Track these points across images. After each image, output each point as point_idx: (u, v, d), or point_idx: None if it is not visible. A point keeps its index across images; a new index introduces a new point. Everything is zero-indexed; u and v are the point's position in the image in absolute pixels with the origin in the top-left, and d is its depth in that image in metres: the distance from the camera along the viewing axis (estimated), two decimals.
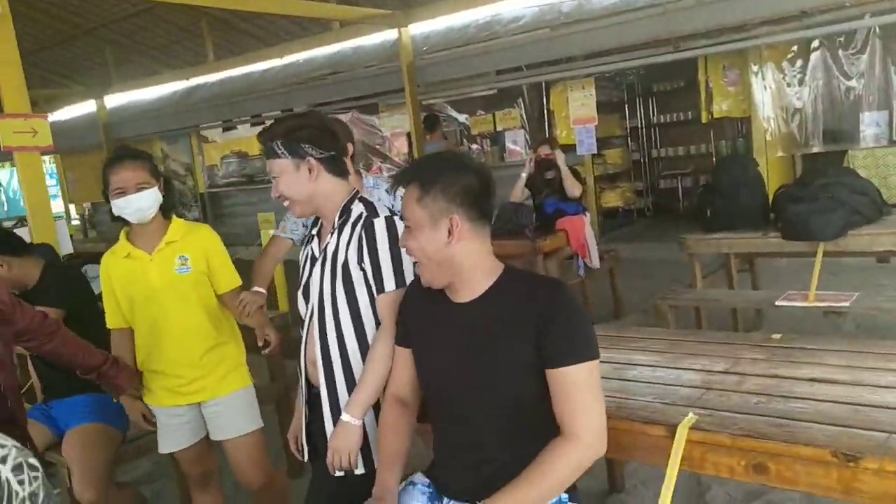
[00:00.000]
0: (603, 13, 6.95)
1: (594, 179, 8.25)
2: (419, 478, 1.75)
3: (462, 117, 8.96)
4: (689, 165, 9.21)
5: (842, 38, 6.26)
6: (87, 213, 14.15)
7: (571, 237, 4.87)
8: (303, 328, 1.98)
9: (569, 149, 6.62)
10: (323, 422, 1.90)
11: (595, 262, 5.01)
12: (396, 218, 1.85)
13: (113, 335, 2.44)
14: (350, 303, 1.86)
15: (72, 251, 5.39)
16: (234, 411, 2.42)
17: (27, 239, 3.08)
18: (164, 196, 2.35)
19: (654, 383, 1.97)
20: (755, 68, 6.72)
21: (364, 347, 1.87)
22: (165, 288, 2.34)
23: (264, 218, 5.34)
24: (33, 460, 0.59)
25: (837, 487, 1.47)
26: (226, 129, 11.36)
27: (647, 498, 2.76)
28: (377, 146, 9.72)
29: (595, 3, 7.13)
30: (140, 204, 2.27)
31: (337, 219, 1.90)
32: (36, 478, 0.59)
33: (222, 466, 2.61)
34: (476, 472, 1.61)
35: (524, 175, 5.15)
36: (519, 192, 5.14)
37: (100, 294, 2.48)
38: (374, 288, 1.85)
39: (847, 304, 3.34)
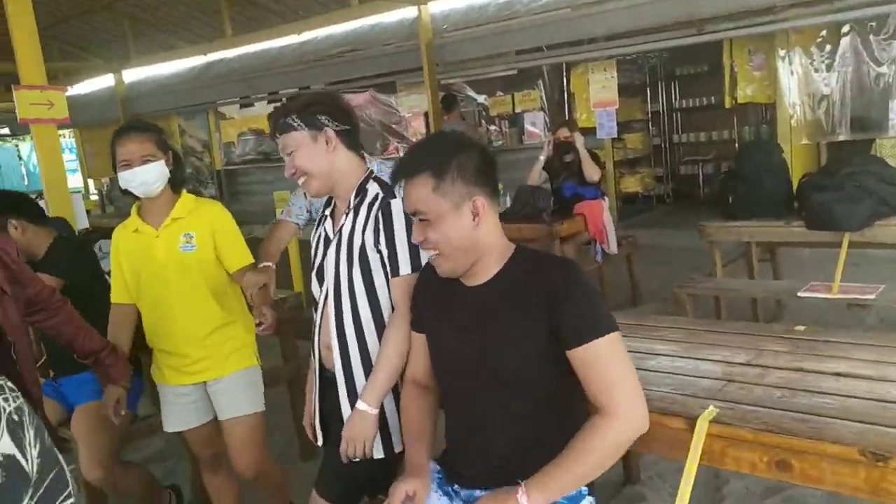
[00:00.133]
0: None
1: (613, 164, 8.15)
2: (430, 465, 1.72)
3: (481, 98, 8.86)
4: (710, 151, 9.06)
5: (873, 23, 6.09)
6: (105, 188, 14.21)
7: (589, 222, 4.80)
8: (316, 310, 1.95)
9: (588, 132, 6.52)
10: (337, 405, 1.87)
11: (613, 248, 4.94)
12: None
13: (113, 310, 2.38)
14: (367, 285, 1.82)
15: (87, 226, 5.39)
16: (235, 391, 2.35)
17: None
18: (172, 170, 2.29)
19: (673, 374, 1.92)
20: (782, 53, 6.56)
21: (381, 330, 1.83)
22: (170, 265, 2.29)
23: (280, 196, 5.32)
24: (11, 384, 0.61)
25: (865, 487, 1.41)
26: (243, 106, 11.33)
27: (662, 490, 2.72)
28: (394, 126, 9.65)
29: None
30: (145, 177, 2.21)
31: (352, 199, 1.86)
32: (17, 397, 0.60)
33: None
34: (487, 458, 1.58)
35: (542, 158, 5.08)
36: (536, 176, 5.07)
37: (109, 270, 2.46)
38: (388, 271, 1.81)
39: (872, 296, 3.26)
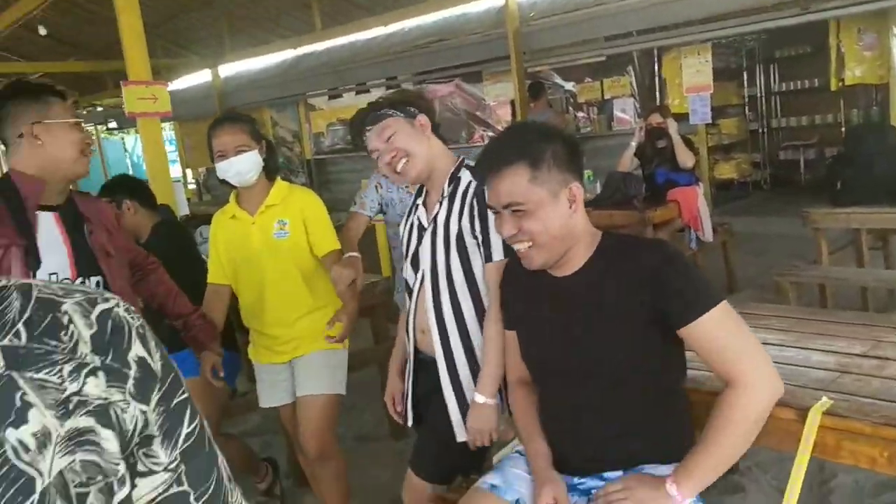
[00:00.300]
0: None
1: (707, 150, 7.84)
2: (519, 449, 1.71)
3: (568, 85, 8.71)
4: (812, 136, 8.60)
5: None
6: (202, 177, 14.86)
7: (683, 209, 4.66)
8: (410, 296, 1.97)
9: (681, 118, 6.29)
10: (432, 387, 1.89)
11: (708, 236, 4.78)
12: None
13: (209, 289, 2.45)
14: (466, 272, 1.84)
15: (188, 213, 5.65)
16: (314, 369, 2.36)
17: None
18: (266, 159, 2.34)
19: (781, 363, 1.82)
20: None
21: (481, 316, 1.84)
22: (264, 251, 2.34)
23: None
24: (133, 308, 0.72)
25: None
26: (331, 98, 11.58)
27: (762, 481, 2.61)
28: (479, 114, 9.63)
29: None
30: (240, 167, 2.26)
31: (446, 187, 1.88)
32: (140, 317, 0.71)
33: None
34: (585, 446, 1.55)
35: (633, 144, 4.96)
36: (627, 162, 4.95)
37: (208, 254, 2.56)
38: (483, 256, 1.82)
39: None
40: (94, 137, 17.54)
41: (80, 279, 1.85)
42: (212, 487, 0.72)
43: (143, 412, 0.66)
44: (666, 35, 7.24)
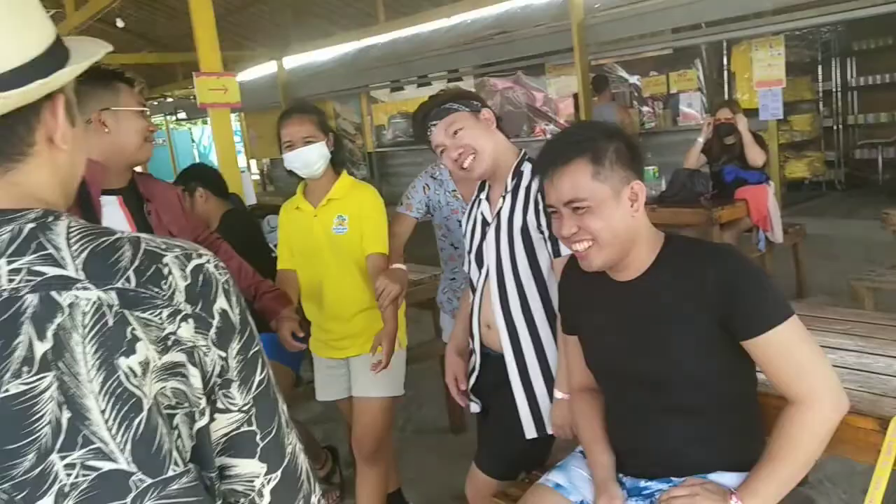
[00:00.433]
0: None
1: (778, 147, 7.59)
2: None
3: (633, 78, 8.56)
4: (891, 134, 8.21)
5: None
6: (265, 168, 15.20)
7: (752, 208, 4.52)
8: (474, 292, 1.97)
9: (751, 113, 6.10)
10: (498, 382, 1.89)
11: (778, 237, 4.63)
12: None
13: (279, 275, 2.45)
14: (532, 266, 1.83)
15: (255, 202, 5.79)
16: (369, 373, 2.28)
17: None
18: (333, 151, 2.33)
19: (859, 370, 1.76)
20: None
21: (549, 310, 1.83)
22: (324, 245, 2.33)
23: None
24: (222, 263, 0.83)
25: None
26: (393, 90, 11.66)
27: (833, 495, 2.52)
28: (541, 108, 9.55)
29: None
30: (307, 158, 2.25)
31: (509, 181, 1.87)
32: (226, 271, 0.81)
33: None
34: (652, 452, 1.53)
35: (700, 140, 4.84)
36: (694, 159, 4.83)
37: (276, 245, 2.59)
38: (550, 252, 1.81)
39: None
40: (161, 127, 18.14)
41: None
42: (274, 430, 0.82)
43: (223, 358, 0.77)
44: (736, 27, 7.01)
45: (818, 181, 8.49)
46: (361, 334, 2.34)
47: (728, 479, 1.46)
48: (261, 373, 0.81)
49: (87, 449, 0.69)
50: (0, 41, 0.72)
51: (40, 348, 0.68)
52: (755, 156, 4.60)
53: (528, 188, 1.84)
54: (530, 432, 1.85)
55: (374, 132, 12.28)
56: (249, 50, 13.25)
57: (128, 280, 0.72)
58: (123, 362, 0.70)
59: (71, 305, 0.69)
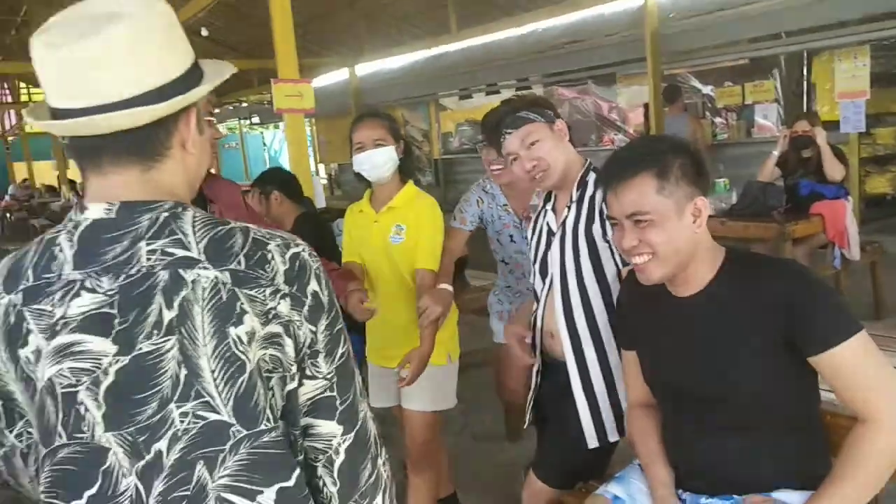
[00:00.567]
0: None
1: (859, 161, 7.30)
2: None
3: (706, 88, 8.39)
4: None
5: None
6: (333, 173, 15.53)
7: (829, 223, 4.37)
8: (538, 301, 1.99)
9: (830, 126, 5.89)
10: (560, 391, 1.90)
11: (854, 254, 4.46)
12: None
13: (343, 266, 2.44)
14: (597, 275, 1.84)
15: (325, 206, 5.95)
16: (417, 385, 2.23)
17: None
18: (402, 159, 2.33)
19: None
20: None
21: (613, 320, 1.83)
22: (381, 251, 2.33)
23: None
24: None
25: None
26: (462, 98, 11.75)
27: None
28: (610, 117, 9.46)
29: None
30: (375, 160, 2.25)
31: (574, 192, 1.88)
32: (317, 259, 0.96)
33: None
34: (713, 470, 1.52)
35: (776, 153, 4.70)
36: (769, 172, 4.70)
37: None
38: (617, 261, 1.82)
39: None
40: (234, 130, 18.72)
41: None
42: (350, 397, 0.95)
43: (313, 332, 0.91)
44: (818, 36, 6.79)
45: None
46: (409, 345, 2.28)
47: (793, 497, 1.44)
48: (343, 347, 0.95)
49: (198, 401, 0.83)
50: (154, 64, 0.88)
51: (167, 315, 0.83)
52: (834, 170, 4.45)
53: (592, 198, 1.86)
54: (592, 442, 1.86)
55: (441, 139, 12.38)
56: (324, 57, 13.58)
57: (239, 263, 0.87)
58: (233, 331, 0.85)
59: (194, 282, 0.85)
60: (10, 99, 19.52)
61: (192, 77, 0.92)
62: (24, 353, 0.86)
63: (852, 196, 5.42)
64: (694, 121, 7.44)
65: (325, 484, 0.94)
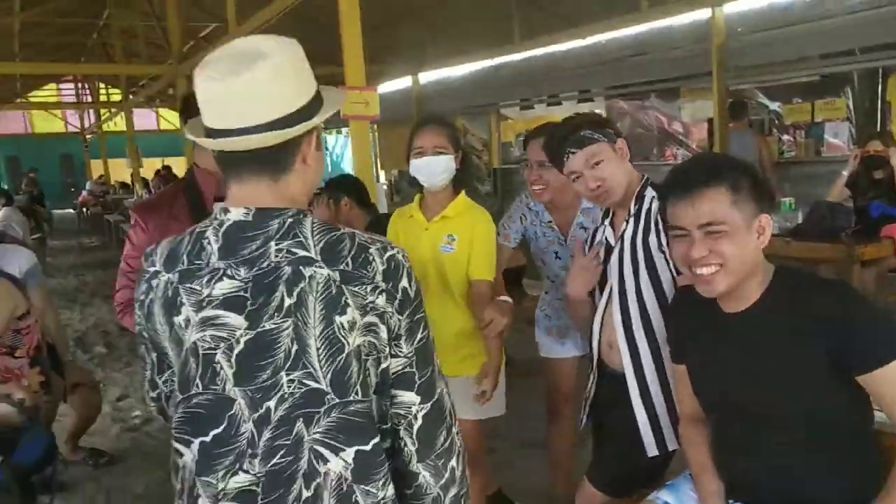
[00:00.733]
0: None
1: None
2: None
3: (774, 105, 8.21)
4: None
5: None
6: (393, 179, 15.71)
7: None
8: (596, 312, 2.02)
9: None
10: (617, 399, 1.93)
11: None
12: None
13: None
14: (655, 286, 1.87)
15: (387, 212, 6.05)
16: (460, 394, 2.14)
17: None
18: (458, 169, 2.31)
19: None
20: None
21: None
22: (430, 260, 2.32)
23: None
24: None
25: None
26: (523, 108, 11.77)
27: None
28: (672, 132, 9.35)
29: None
30: (434, 167, 2.24)
31: (632, 206, 1.93)
32: (408, 258, 1.15)
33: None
34: (765, 484, 1.53)
35: (846, 173, 4.62)
36: (838, 192, 4.62)
37: None
38: (672, 272, 1.84)
39: None
40: None
41: None
42: (428, 374, 1.17)
43: (400, 320, 1.13)
44: (895, 54, 6.58)
45: None
46: (455, 355, 2.29)
47: None
48: (422, 332, 1.17)
49: (304, 371, 1.06)
50: (285, 96, 1.08)
51: (287, 302, 1.06)
52: None
53: (648, 211, 1.91)
54: (652, 450, 1.88)
55: (501, 149, 12.42)
56: (389, 64, 13.80)
57: (347, 264, 1.08)
58: (338, 319, 1.06)
59: (310, 277, 1.06)
60: (89, 98, 20.47)
61: (314, 104, 1.12)
62: (177, 319, 1.09)
63: None
64: (760, 138, 7.30)
65: (405, 444, 1.14)
